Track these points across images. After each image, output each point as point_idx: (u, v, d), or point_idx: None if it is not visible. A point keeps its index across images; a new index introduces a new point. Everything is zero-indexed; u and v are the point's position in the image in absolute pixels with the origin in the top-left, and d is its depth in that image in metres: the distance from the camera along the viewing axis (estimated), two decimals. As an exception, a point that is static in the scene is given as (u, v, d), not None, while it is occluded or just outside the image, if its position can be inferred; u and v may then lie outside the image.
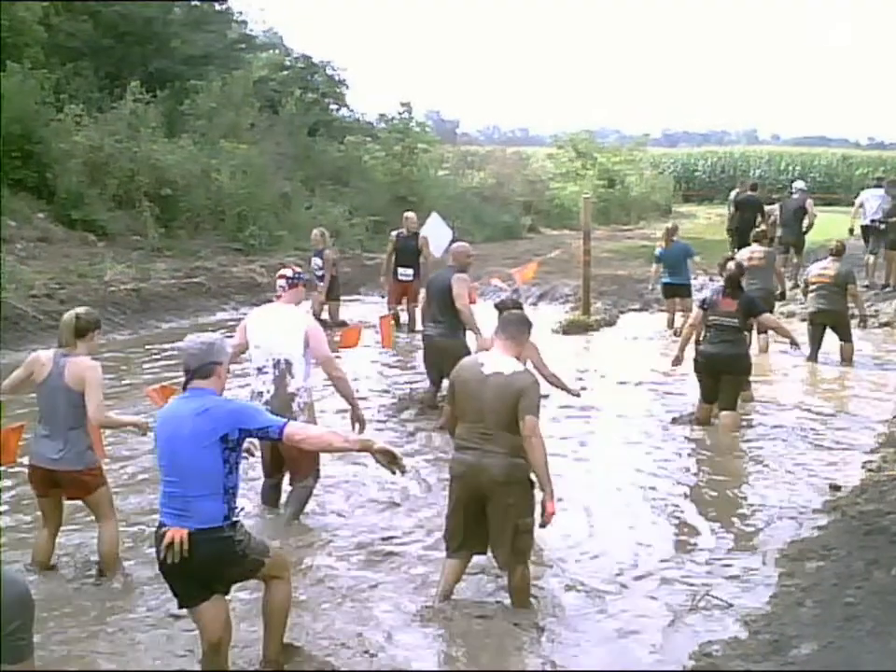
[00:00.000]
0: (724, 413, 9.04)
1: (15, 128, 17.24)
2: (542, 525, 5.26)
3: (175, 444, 4.34)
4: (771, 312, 11.50)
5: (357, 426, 6.68)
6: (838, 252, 12.19)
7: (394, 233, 14.15)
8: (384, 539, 6.57)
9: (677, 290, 13.82)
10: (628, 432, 9.20)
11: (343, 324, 13.46)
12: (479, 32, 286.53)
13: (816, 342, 12.02)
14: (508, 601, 5.50)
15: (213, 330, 13.35)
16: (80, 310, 5.85)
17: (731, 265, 9.43)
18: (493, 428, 5.22)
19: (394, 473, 4.54)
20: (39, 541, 5.91)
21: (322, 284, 13.96)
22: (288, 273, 6.86)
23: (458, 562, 5.50)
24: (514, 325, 5.55)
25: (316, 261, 14.20)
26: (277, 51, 32.17)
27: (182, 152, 20.60)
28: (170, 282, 16.16)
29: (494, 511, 5.28)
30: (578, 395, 8.19)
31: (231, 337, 6.67)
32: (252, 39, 31.48)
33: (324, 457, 6.94)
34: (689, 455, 8.66)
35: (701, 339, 9.19)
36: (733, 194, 19.94)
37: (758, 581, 5.95)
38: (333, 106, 31.94)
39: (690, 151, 55.28)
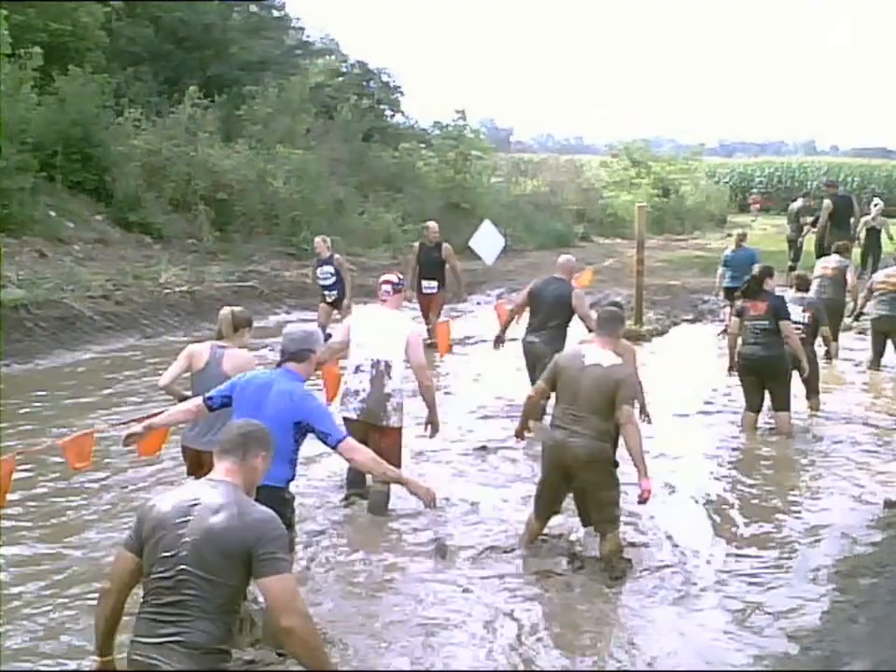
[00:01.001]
0: (778, 413, 9.22)
1: (76, 131, 17.55)
2: (641, 502, 5.88)
3: (256, 412, 4.63)
4: (839, 323, 12.18)
5: (430, 428, 7.08)
6: None
7: (416, 244, 13.64)
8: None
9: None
10: (681, 437, 9.08)
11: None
12: (535, 40, 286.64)
13: (878, 349, 11.97)
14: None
15: (262, 335, 13.62)
16: (235, 308, 6.40)
17: (755, 269, 9.51)
18: (584, 412, 5.85)
19: (427, 507, 5.17)
20: None
21: (335, 292, 13.09)
22: (393, 278, 7.22)
23: (540, 521, 6.25)
24: (610, 321, 6.27)
25: (325, 270, 13.19)
26: (333, 57, 32.40)
27: (238, 157, 20.83)
28: (223, 285, 16.33)
29: (579, 486, 6.02)
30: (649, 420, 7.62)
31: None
32: (309, 45, 31.76)
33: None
34: (741, 465, 8.54)
35: (742, 342, 9.31)
36: (795, 205, 19.76)
37: (810, 597, 5.83)
38: (388, 113, 32.09)
39: (746, 161, 54.71)
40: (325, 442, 4.88)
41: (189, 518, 3.40)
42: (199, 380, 5.99)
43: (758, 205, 36.72)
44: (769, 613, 5.60)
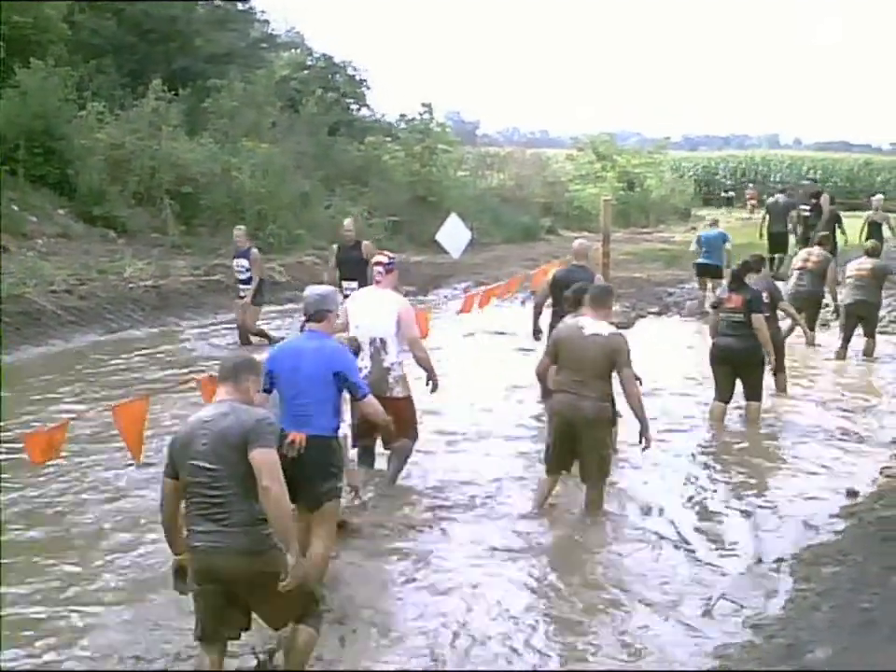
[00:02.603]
0: (750, 403, 9.39)
1: (38, 124, 17.37)
2: (645, 449, 6.82)
3: (297, 374, 5.40)
4: (816, 314, 12.74)
5: (430, 384, 7.36)
6: (874, 252, 12.73)
7: (334, 246, 12.68)
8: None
9: (710, 271, 15.40)
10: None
11: (262, 333, 12.76)
12: (499, 33, 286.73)
13: (848, 334, 12.38)
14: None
15: (229, 330, 13.56)
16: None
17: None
18: (588, 377, 6.65)
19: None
20: None
21: (248, 287, 12.63)
22: (384, 259, 7.57)
23: (551, 479, 6.98)
24: (601, 296, 7.02)
25: (240, 264, 12.70)
26: (299, 51, 32.27)
27: (203, 150, 20.73)
28: (189, 279, 16.24)
29: (584, 442, 6.72)
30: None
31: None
32: (274, 38, 31.60)
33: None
34: (706, 453, 8.63)
35: (717, 332, 9.49)
36: (780, 200, 20.30)
37: (773, 586, 5.90)
38: (354, 106, 31.99)
39: (710, 155, 55.13)
40: (353, 393, 5.58)
41: (205, 431, 4.22)
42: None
43: (754, 201, 36.74)
44: (732, 602, 5.66)
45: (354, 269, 11.96)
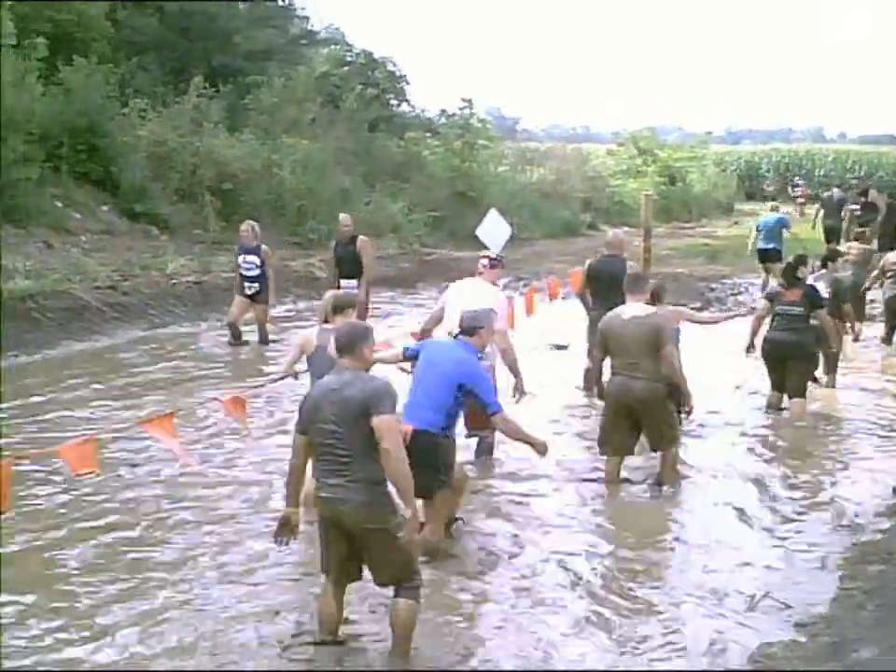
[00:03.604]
0: (793, 400, 9.40)
1: (81, 121, 17.52)
2: (686, 415, 7.54)
3: (429, 372, 6.01)
4: (860, 304, 12.49)
5: (517, 394, 7.40)
6: None
7: (332, 243, 12.47)
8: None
9: (770, 256, 16.06)
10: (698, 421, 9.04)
11: (266, 336, 12.60)
12: (541, 28, 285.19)
13: (891, 327, 12.47)
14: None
15: (273, 322, 13.60)
16: (338, 292, 7.28)
17: (791, 258, 10.09)
18: (636, 359, 7.10)
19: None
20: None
21: (257, 285, 12.43)
22: (491, 254, 8.26)
23: (614, 460, 7.38)
24: (635, 281, 7.62)
25: (249, 260, 12.47)
26: (338, 47, 32.28)
27: (244, 147, 20.81)
28: (230, 275, 16.24)
29: (643, 419, 7.22)
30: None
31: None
32: (314, 35, 31.64)
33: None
34: (753, 451, 8.54)
35: (769, 327, 9.60)
36: (836, 195, 20.45)
37: (818, 584, 5.83)
38: (394, 102, 31.95)
39: (754, 149, 54.49)
40: (484, 409, 6.00)
41: (331, 398, 4.69)
42: (312, 361, 6.69)
43: (803, 199, 35.83)
44: (777, 600, 5.59)
45: (350, 265, 11.80)
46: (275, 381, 8.18)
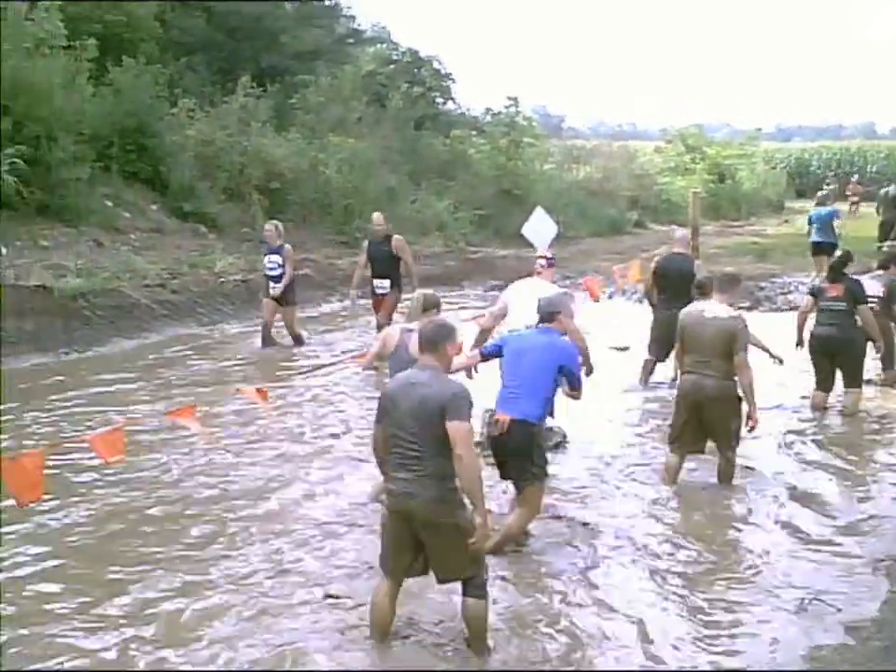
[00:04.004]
0: (849, 391, 9.45)
1: (130, 121, 17.70)
2: (750, 430, 7.21)
3: (520, 360, 6.07)
4: None
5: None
6: None
7: (365, 241, 12.21)
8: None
9: (824, 249, 16.14)
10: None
11: (299, 337, 12.50)
12: (587, 26, 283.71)
13: None
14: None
15: (317, 321, 13.63)
16: (427, 291, 7.22)
17: (836, 254, 10.25)
18: (709, 357, 7.13)
19: None
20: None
21: (278, 286, 12.19)
22: (548, 254, 8.45)
23: (678, 456, 7.42)
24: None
25: (273, 260, 12.25)
26: (385, 46, 32.36)
27: (291, 146, 20.91)
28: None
29: (710, 418, 7.22)
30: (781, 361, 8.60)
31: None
32: (360, 34, 31.76)
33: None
34: (805, 449, 8.45)
35: (815, 323, 9.59)
36: (891, 191, 20.32)
37: (870, 587, 5.74)
38: (439, 100, 31.98)
39: (804, 146, 53.79)
40: (571, 383, 6.13)
41: (409, 394, 4.78)
42: (392, 360, 6.76)
43: (856, 197, 35.10)
44: (828, 603, 5.51)
45: (384, 265, 11.61)
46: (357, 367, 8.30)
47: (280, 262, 12.15)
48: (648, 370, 10.41)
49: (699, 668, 4.88)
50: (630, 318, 13.46)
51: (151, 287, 14.23)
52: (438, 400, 4.71)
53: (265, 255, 12.40)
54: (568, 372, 6.11)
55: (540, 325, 6.33)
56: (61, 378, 10.54)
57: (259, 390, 6.93)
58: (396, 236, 11.80)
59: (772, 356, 8.49)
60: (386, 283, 11.57)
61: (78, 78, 16.39)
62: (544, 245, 16.12)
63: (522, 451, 5.90)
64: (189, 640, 5.05)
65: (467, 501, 4.79)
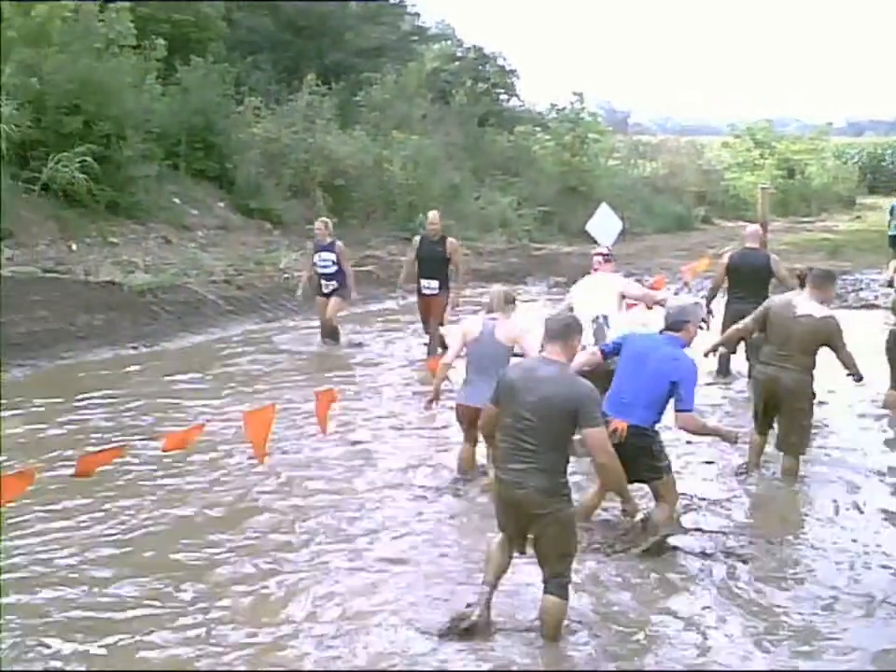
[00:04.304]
0: None
1: (198, 120, 17.94)
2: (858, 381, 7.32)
3: (639, 365, 6.00)
4: None
5: None
6: None
7: (416, 238, 11.80)
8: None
9: None
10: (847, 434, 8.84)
11: (336, 331, 12.16)
12: (652, 19, 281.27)
13: None
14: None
15: (380, 318, 13.68)
16: (504, 287, 7.55)
17: None
18: (793, 352, 7.09)
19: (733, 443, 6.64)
20: (463, 454, 7.23)
21: (334, 282, 11.89)
22: (604, 250, 8.62)
23: (761, 439, 7.48)
24: (824, 279, 7.35)
25: (325, 257, 11.92)
26: (449, 42, 32.39)
27: (355, 143, 21.01)
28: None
29: (784, 411, 7.23)
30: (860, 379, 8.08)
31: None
32: (424, 31, 31.84)
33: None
34: (880, 444, 8.35)
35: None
36: None
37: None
38: (504, 97, 31.93)
39: (876, 140, 52.56)
40: (677, 404, 5.91)
41: (534, 387, 4.77)
42: (474, 348, 7.02)
43: None
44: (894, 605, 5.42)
45: (435, 266, 11.28)
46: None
47: (333, 259, 11.88)
48: (724, 363, 10.46)
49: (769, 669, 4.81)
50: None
51: (217, 283, 14.39)
52: (568, 402, 4.71)
53: (315, 252, 12.09)
54: (679, 389, 5.89)
55: (667, 332, 6.15)
56: (130, 371, 10.71)
57: (325, 392, 6.97)
58: (451, 239, 11.54)
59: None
60: (435, 284, 11.25)
61: (147, 78, 16.70)
62: (609, 241, 16.02)
63: (642, 453, 5.93)
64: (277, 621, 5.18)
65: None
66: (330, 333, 12.17)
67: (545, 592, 4.89)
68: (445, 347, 10.87)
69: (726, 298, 10.23)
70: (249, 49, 22.69)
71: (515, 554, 5.10)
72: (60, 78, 14.86)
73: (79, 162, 14.21)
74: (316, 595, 5.43)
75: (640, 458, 5.89)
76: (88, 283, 12.87)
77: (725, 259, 10.32)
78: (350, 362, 11.62)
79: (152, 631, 5.00)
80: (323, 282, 11.95)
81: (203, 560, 5.91)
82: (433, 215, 11.62)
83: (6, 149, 13.94)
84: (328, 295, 11.95)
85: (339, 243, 12.08)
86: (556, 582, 4.86)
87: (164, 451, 6.14)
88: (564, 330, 4.97)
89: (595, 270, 8.35)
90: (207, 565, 5.84)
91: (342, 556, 5.96)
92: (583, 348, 7.65)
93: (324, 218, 12.63)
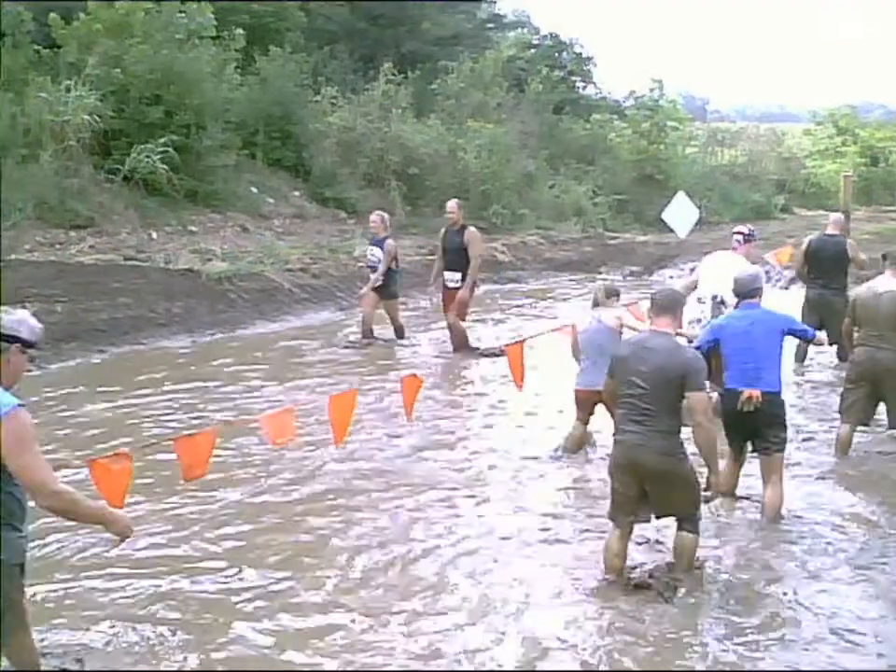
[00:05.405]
0: None
1: (276, 109, 18.14)
2: None
3: (748, 336, 6.19)
4: None
5: None
6: None
7: (442, 230, 11.41)
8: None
9: None
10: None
11: (401, 329, 11.76)
12: (731, 5, 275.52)
13: None
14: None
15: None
16: (607, 282, 8.01)
17: None
18: (885, 331, 7.30)
19: None
20: (574, 431, 7.58)
21: (381, 278, 11.47)
22: (745, 230, 8.65)
23: (849, 426, 7.54)
24: None
25: (375, 252, 11.60)
26: (525, 30, 32.21)
27: (430, 132, 21.03)
28: (415, 258, 16.49)
29: (886, 389, 7.37)
30: None
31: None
32: (501, 19, 31.71)
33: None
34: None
35: None
36: None
37: None
38: (580, 84, 31.66)
39: (966, 126, 50.88)
40: (802, 337, 6.79)
41: (645, 358, 5.20)
42: (585, 336, 7.41)
43: None
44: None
45: (454, 256, 10.89)
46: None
47: (380, 256, 11.47)
48: (804, 349, 10.39)
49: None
50: (775, 304, 13.00)
51: (293, 271, 14.56)
52: (677, 369, 5.13)
53: (369, 245, 11.87)
54: (794, 332, 6.47)
55: (743, 301, 6.41)
56: (206, 356, 10.90)
57: (411, 378, 7.02)
58: (470, 228, 11.12)
59: None
60: (457, 276, 10.86)
61: (227, 68, 16.89)
62: (686, 231, 15.82)
63: (774, 420, 6.20)
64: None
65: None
66: (370, 334, 11.69)
67: (679, 530, 5.33)
68: (466, 342, 11.02)
69: (805, 285, 10.39)
70: (326, 39, 22.82)
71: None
72: (142, 69, 15.15)
73: (160, 152, 14.47)
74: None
75: (772, 427, 6.17)
76: (167, 270, 13.13)
77: (805, 245, 10.39)
78: (423, 352, 11.62)
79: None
80: (371, 276, 11.61)
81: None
82: (451, 204, 11.25)
83: (89, 139, 14.28)
84: (376, 290, 11.54)
85: (389, 241, 11.64)
86: (689, 519, 5.31)
87: (273, 444, 6.26)
88: (672, 304, 5.40)
89: (734, 249, 8.38)
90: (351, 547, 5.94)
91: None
92: (698, 321, 7.98)
93: (381, 212, 12.30)
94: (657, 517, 5.46)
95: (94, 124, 14.21)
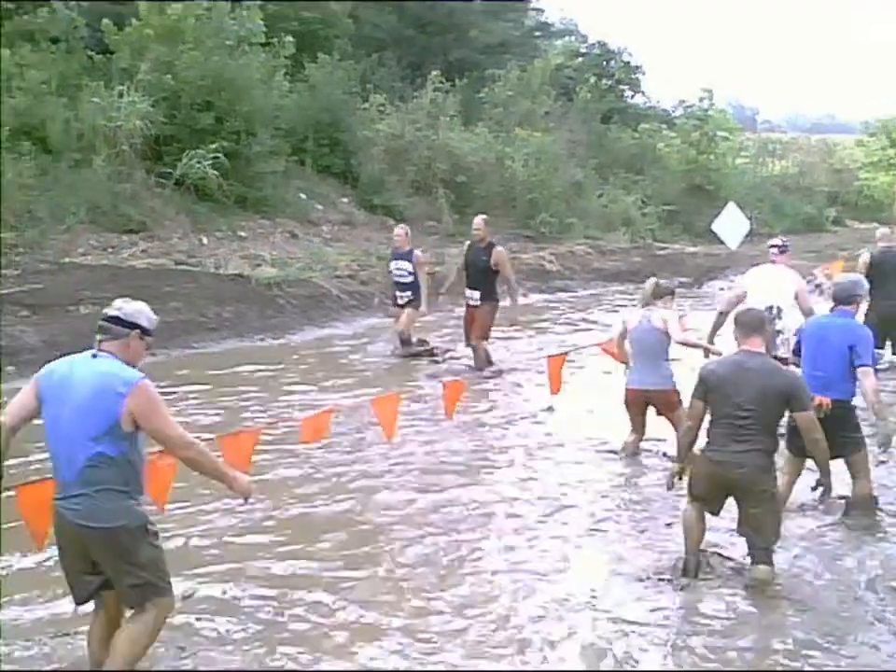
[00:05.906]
0: None
1: (324, 116, 18.17)
2: None
3: (823, 344, 6.30)
4: None
5: None
6: None
7: (466, 243, 11.17)
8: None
9: None
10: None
11: (408, 340, 11.29)
12: (781, 13, 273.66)
13: None
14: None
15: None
16: (661, 280, 7.85)
17: None
18: None
19: None
20: (629, 437, 7.72)
21: (409, 293, 11.13)
22: (778, 241, 8.85)
23: None
24: None
25: (401, 266, 11.21)
26: (573, 38, 32.11)
27: (478, 140, 20.97)
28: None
29: None
30: None
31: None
32: (548, 27, 31.64)
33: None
34: None
35: None
36: None
37: None
38: (628, 93, 31.50)
39: None
40: (854, 360, 6.21)
41: (745, 379, 5.31)
42: (633, 335, 7.53)
43: None
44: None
45: (478, 274, 10.60)
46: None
47: (409, 269, 11.12)
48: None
49: None
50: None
51: (341, 277, 14.55)
52: (781, 391, 5.30)
53: (392, 260, 11.43)
54: (856, 352, 6.27)
55: (838, 307, 6.46)
56: (257, 360, 10.90)
57: (454, 382, 7.26)
58: (498, 248, 10.78)
59: None
60: (476, 295, 10.57)
61: (276, 75, 16.94)
62: (736, 242, 15.59)
63: (845, 426, 6.20)
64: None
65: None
66: (404, 344, 11.36)
67: (754, 562, 5.40)
68: (490, 363, 10.66)
69: (870, 298, 10.05)
70: (374, 46, 22.83)
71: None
72: (193, 75, 15.22)
73: (211, 158, 14.53)
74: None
75: (844, 432, 6.15)
76: (218, 275, 13.17)
77: (867, 258, 10.35)
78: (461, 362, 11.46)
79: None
80: (398, 293, 11.26)
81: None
82: (478, 220, 10.92)
83: (141, 144, 14.38)
84: (402, 306, 11.25)
85: (417, 251, 11.45)
86: (765, 552, 5.37)
87: (302, 442, 6.32)
88: (760, 324, 5.55)
89: (772, 262, 8.49)
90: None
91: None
92: None
93: (404, 226, 12.12)
94: (738, 533, 5.53)
95: (146, 130, 14.32)
